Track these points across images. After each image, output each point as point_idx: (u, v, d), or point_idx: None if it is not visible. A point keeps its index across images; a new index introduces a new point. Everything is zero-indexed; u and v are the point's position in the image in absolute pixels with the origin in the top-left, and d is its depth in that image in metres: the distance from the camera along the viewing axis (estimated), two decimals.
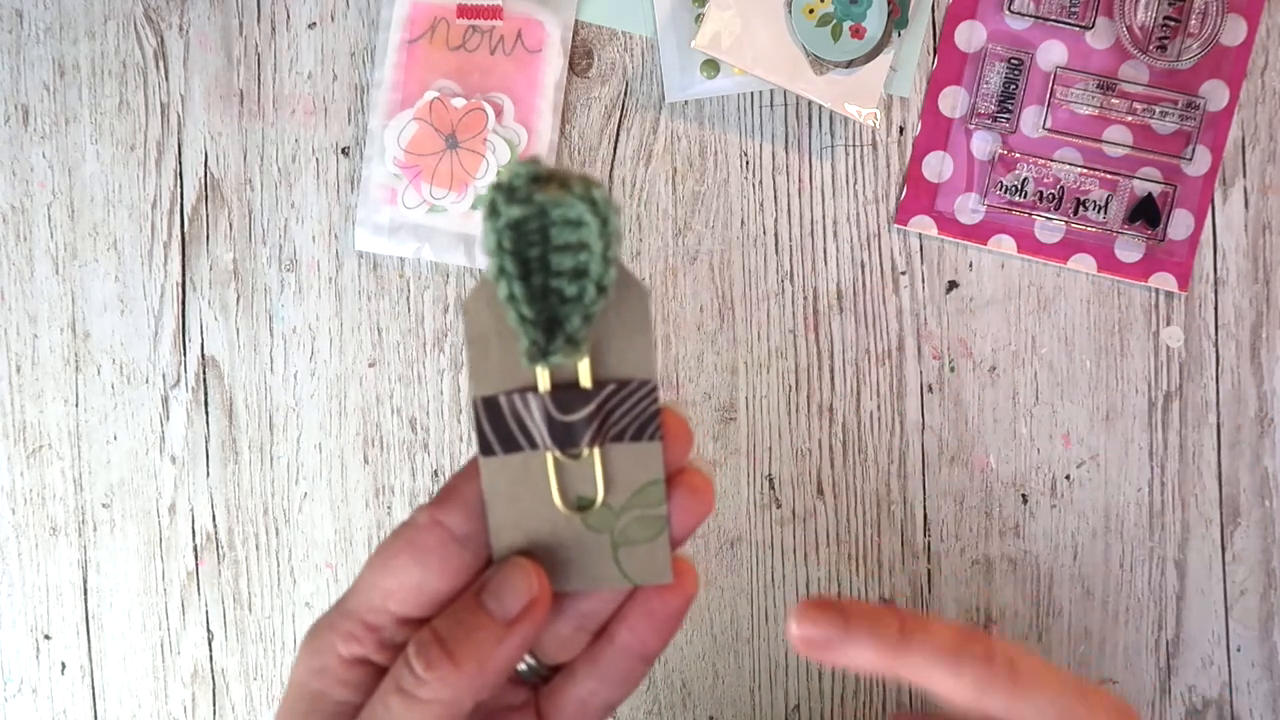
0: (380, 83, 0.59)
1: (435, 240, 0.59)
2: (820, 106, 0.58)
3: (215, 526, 0.63)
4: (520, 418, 0.29)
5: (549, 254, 0.28)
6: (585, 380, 0.29)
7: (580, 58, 0.59)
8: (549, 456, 0.30)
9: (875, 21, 0.56)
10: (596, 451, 0.30)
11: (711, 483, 0.31)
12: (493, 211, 0.27)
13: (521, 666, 0.33)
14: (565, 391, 0.29)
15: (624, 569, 0.31)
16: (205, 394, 0.62)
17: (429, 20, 0.58)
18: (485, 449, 0.30)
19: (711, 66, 0.58)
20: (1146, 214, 0.57)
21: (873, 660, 0.31)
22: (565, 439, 0.30)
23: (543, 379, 0.29)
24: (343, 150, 0.60)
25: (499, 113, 0.58)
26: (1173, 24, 0.56)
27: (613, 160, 0.60)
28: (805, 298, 0.60)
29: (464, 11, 0.58)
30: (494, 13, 0.58)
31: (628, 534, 0.30)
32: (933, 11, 0.58)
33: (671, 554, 0.31)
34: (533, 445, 0.30)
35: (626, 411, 0.29)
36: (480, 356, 0.29)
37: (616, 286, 0.28)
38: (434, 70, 0.58)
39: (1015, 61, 0.57)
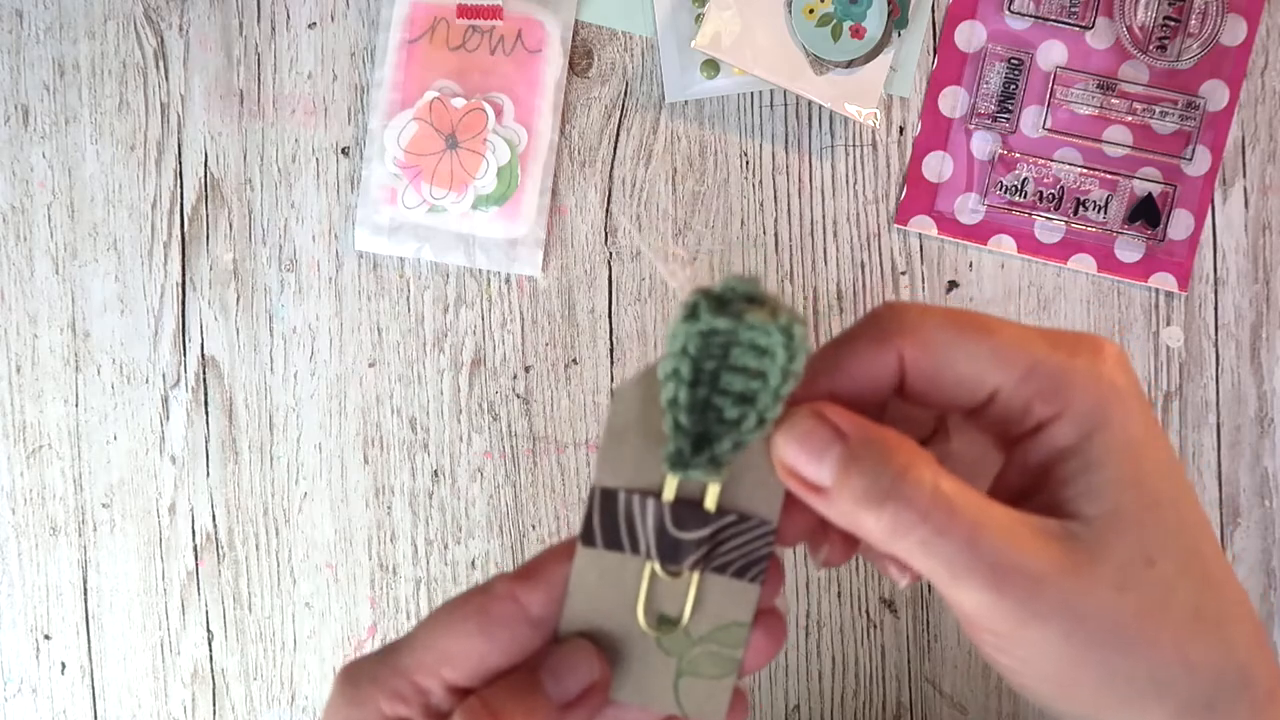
0: (380, 83, 0.59)
1: (435, 240, 0.59)
2: (820, 106, 0.58)
3: (215, 526, 0.63)
4: (633, 519, 0.29)
5: (723, 371, 0.27)
6: (710, 503, 0.29)
7: (580, 58, 0.59)
8: (649, 567, 0.29)
9: (875, 21, 0.56)
10: (695, 576, 0.29)
11: (786, 625, 0.30)
12: (692, 315, 0.27)
13: None
14: (686, 508, 0.29)
15: (680, 698, 0.30)
16: (205, 394, 0.62)
17: (429, 20, 0.58)
18: (587, 538, 0.29)
19: (711, 66, 0.58)
20: (1146, 214, 0.57)
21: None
22: (670, 554, 0.29)
23: (670, 489, 0.29)
24: (343, 150, 0.60)
25: (499, 113, 0.58)
26: (1173, 24, 0.56)
27: (613, 160, 0.60)
28: (805, 298, 0.60)
29: (464, 11, 0.58)
30: (494, 13, 0.58)
31: (696, 665, 0.30)
32: (933, 11, 0.58)
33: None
34: (635, 550, 0.29)
35: (738, 546, 0.29)
36: (615, 445, 0.29)
37: (776, 424, 0.28)
38: (434, 70, 0.58)
39: (1015, 61, 0.57)
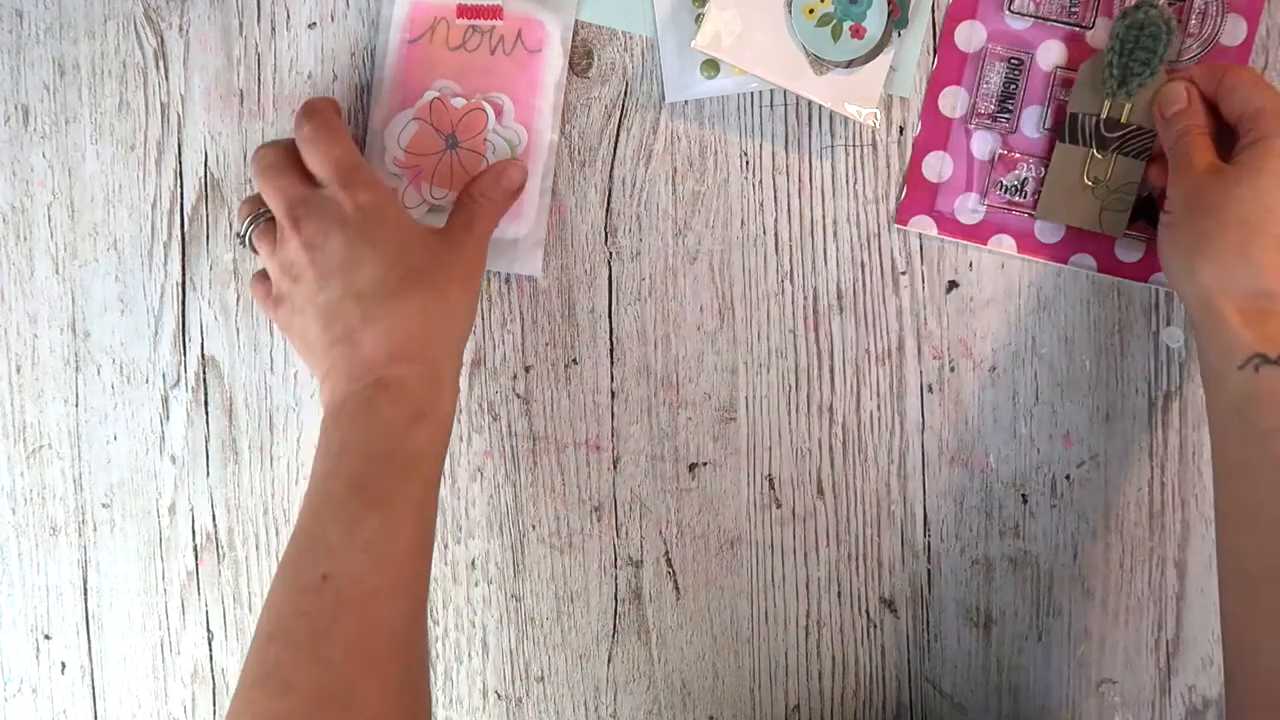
0: (380, 83, 0.59)
1: None
2: (820, 106, 0.58)
3: (215, 526, 0.63)
4: (1084, 127, 0.56)
5: (1136, 49, 0.54)
6: (1123, 117, 0.55)
7: (580, 58, 0.59)
8: (1089, 153, 0.56)
9: (875, 21, 0.56)
10: (1114, 158, 0.56)
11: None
12: (1142, 3, 0.54)
13: None
14: (1111, 121, 0.55)
15: (1101, 221, 0.57)
16: (205, 394, 0.62)
17: (429, 20, 0.58)
18: (1062, 138, 0.56)
19: (711, 66, 0.58)
20: (1146, 214, 0.57)
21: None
22: (1101, 145, 0.55)
23: (1104, 109, 0.55)
24: None
25: (499, 113, 0.58)
26: None
27: (613, 160, 0.60)
28: (805, 298, 0.60)
29: (464, 11, 0.58)
30: (494, 13, 0.58)
31: (1111, 204, 0.56)
32: (933, 11, 0.58)
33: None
34: (1084, 144, 0.56)
35: (1137, 142, 0.55)
36: (1080, 91, 0.55)
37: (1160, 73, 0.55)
38: (434, 70, 0.58)
39: (1015, 61, 0.57)
